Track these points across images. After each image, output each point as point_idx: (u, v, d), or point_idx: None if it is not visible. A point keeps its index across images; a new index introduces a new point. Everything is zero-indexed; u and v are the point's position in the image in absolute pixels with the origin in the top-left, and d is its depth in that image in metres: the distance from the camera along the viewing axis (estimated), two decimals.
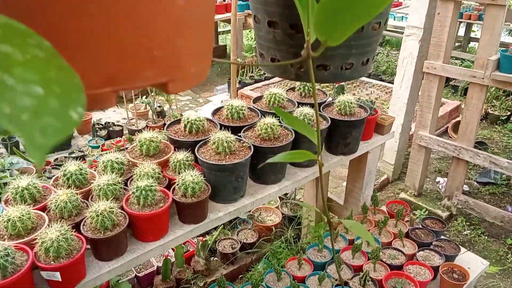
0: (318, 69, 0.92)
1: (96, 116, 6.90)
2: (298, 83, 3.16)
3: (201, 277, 3.69)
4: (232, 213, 2.43)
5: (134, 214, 2.07)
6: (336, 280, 2.71)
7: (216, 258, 3.89)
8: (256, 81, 7.86)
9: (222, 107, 2.84)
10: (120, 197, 2.21)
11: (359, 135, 2.92)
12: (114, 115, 7.11)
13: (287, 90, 3.26)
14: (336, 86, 3.31)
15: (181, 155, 2.41)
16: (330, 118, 2.82)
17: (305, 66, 0.88)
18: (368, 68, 1.01)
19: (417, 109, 4.66)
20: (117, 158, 2.37)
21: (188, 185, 2.20)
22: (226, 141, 2.38)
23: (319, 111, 2.92)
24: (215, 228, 4.05)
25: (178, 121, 2.70)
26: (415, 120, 4.71)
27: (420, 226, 3.26)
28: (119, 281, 3.08)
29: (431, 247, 3.03)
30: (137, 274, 3.52)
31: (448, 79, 7.94)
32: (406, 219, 3.37)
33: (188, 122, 2.58)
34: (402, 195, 4.90)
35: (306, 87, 3.11)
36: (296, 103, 3.00)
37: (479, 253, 4.15)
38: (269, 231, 3.94)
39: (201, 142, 2.48)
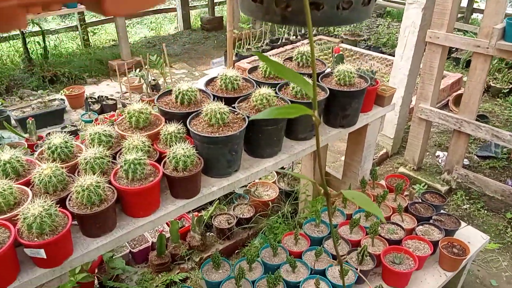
0: (310, 8, 0.79)
1: (89, 90, 6.74)
2: (296, 52, 3.01)
3: (196, 253, 3.64)
4: (226, 187, 2.34)
5: (122, 188, 1.98)
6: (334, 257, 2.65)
7: (212, 234, 3.84)
8: (254, 54, 7.66)
9: (216, 77, 2.71)
10: (108, 171, 2.11)
11: (358, 106, 2.80)
12: (107, 88, 6.95)
13: (284, 60, 3.13)
14: (335, 55, 3.17)
15: (172, 127, 2.30)
16: (328, 88, 2.69)
17: (292, 4, 0.75)
18: (370, 11, 0.88)
19: (419, 81, 4.53)
20: (105, 130, 2.26)
21: (179, 158, 2.10)
22: (219, 113, 2.26)
23: (318, 81, 2.79)
24: (211, 203, 3.98)
25: (169, 92, 2.57)
26: (416, 93, 4.58)
27: (420, 201, 3.18)
28: (113, 257, 3.02)
29: (431, 221, 2.96)
30: (132, 250, 3.46)
31: (450, 51, 7.76)
32: (405, 193, 3.30)
33: (179, 92, 2.45)
34: (401, 169, 4.82)
35: (304, 57, 2.97)
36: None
37: (478, 228, 4.10)
38: (266, 206, 3.87)
39: (193, 114, 2.37)
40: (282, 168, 4.40)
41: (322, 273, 2.53)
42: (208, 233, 3.85)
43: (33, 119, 4.77)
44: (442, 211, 3.16)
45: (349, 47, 8.05)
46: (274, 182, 4.21)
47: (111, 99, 5.95)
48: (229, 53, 6.67)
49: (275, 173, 4.38)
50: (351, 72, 2.72)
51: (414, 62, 4.55)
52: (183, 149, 2.12)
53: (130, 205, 2.06)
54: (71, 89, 6.23)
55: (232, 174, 2.39)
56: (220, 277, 2.54)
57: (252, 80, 2.77)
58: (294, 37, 8.44)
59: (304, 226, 2.92)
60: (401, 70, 4.71)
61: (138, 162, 2.00)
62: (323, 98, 2.60)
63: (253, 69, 2.91)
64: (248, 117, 2.38)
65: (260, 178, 4.37)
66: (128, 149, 2.17)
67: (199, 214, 3.62)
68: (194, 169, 2.15)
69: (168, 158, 2.13)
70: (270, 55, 7.45)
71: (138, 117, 2.34)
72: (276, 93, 2.55)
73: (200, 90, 2.62)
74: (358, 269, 2.54)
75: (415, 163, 4.76)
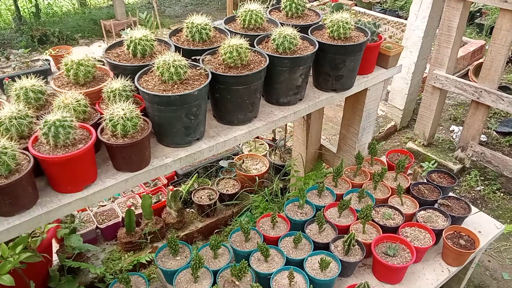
0: None
1: (80, 51, 6.31)
2: (284, 1, 2.51)
3: (173, 231, 3.27)
4: (183, 159, 1.92)
5: (40, 157, 1.57)
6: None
7: (192, 210, 3.46)
8: None
9: (183, 27, 2.24)
10: (31, 135, 1.70)
11: (355, 66, 2.31)
12: (99, 50, 6.50)
13: (270, 10, 2.63)
14: (332, 4, 2.66)
15: (118, 84, 1.87)
16: (318, 42, 2.21)
17: None
18: None
19: (435, 44, 3.97)
20: (34, 85, 1.83)
21: (117, 121, 1.67)
22: (173, 66, 1.81)
23: (307, 34, 2.30)
24: (188, 177, 3.58)
25: (122, 42, 2.12)
26: (431, 59, 4.03)
27: (425, 181, 2.72)
28: (71, 233, 2.66)
29: (436, 206, 2.51)
30: (99, 226, 3.10)
31: (473, 17, 7.06)
32: (409, 172, 2.83)
33: (131, 42, 2.00)
34: (410, 144, 4.33)
35: (294, 4, 2.47)
36: (279, 24, 2.38)
37: (492, 212, 3.64)
38: (253, 182, 3.45)
39: (145, 68, 1.92)
40: (274, 141, 3.97)
41: (300, 263, 2.12)
42: (189, 209, 3.47)
43: (9, 79, 4.39)
44: (451, 193, 2.69)
45: (362, 10, 7.40)
46: (264, 156, 3.78)
47: (100, 60, 5.51)
48: (229, 13, 6.15)
49: (267, 145, 3.95)
50: (346, 22, 2.22)
51: (430, 22, 3.98)
52: (123, 109, 1.69)
53: (54, 177, 1.66)
54: (57, 49, 5.75)
55: (192, 144, 1.96)
56: (177, 265, 2.16)
57: (227, 30, 2.30)
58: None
59: (285, 207, 2.50)
60: (415, 32, 4.15)
61: (61, 125, 1.59)
62: (310, 54, 2.12)
63: (230, 19, 2.43)
64: (212, 72, 1.93)
65: (250, 150, 3.94)
66: (58, 108, 1.75)
67: (175, 189, 3.22)
68: (137, 136, 1.72)
69: (104, 121, 1.70)
70: None
71: (77, 70, 1.91)
72: (253, 46, 2.08)
73: (160, 40, 2.16)
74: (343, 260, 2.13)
75: (425, 138, 4.26)
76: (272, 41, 2.15)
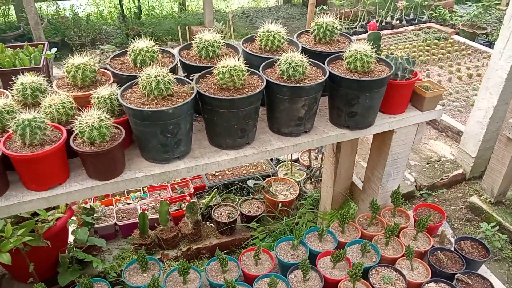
0: None
1: None
2: (313, 23, 2.33)
3: (186, 242, 3.24)
4: (157, 176, 1.86)
5: (7, 153, 1.63)
6: None
7: (211, 225, 3.40)
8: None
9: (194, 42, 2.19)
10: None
11: (372, 104, 2.05)
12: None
13: (299, 33, 2.46)
14: (368, 33, 2.39)
15: (106, 91, 1.88)
16: (329, 73, 2.00)
17: None
18: None
19: None
20: (33, 82, 1.92)
21: (84, 129, 1.67)
22: (155, 81, 1.77)
23: (323, 64, 2.10)
24: (222, 189, 3.52)
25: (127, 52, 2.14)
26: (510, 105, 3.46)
27: (452, 248, 2.30)
28: (78, 228, 2.77)
29: (454, 282, 2.09)
30: (117, 222, 3.20)
31: None
32: (437, 232, 2.43)
33: (132, 51, 2.01)
34: (474, 199, 3.76)
35: (322, 29, 2.28)
36: (300, 47, 2.22)
37: None
38: (275, 207, 3.28)
39: (136, 80, 1.91)
40: (309, 168, 3.74)
41: None
42: (209, 223, 3.42)
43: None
44: (479, 270, 2.24)
45: (462, 40, 6.72)
46: (298, 182, 3.58)
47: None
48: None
49: (304, 172, 3.74)
50: (365, 55, 1.98)
51: None
52: (94, 117, 1.69)
53: (20, 175, 1.72)
54: None
55: (170, 161, 1.89)
56: (142, 282, 2.10)
57: (238, 49, 2.20)
58: (398, 21, 7.33)
59: (278, 244, 2.30)
60: (497, 72, 3.61)
61: (29, 124, 1.63)
62: (313, 85, 1.92)
63: (249, 39, 2.32)
64: (199, 92, 1.85)
65: (286, 174, 3.77)
66: (45, 107, 1.81)
67: (192, 200, 3.19)
68: (105, 145, 1.71)
69: (76, 127, 1.72)
70: (360, 39, 6.56)
71: (75, 73, 1.96)
72: (248, 67, 1.95)
73: (165, 51, 2.14)
74: None
75: (493, 194, 3.67)
76: (278, 67, 2.00)
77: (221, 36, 5.05)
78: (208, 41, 2.08)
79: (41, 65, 4.43)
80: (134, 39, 6.68)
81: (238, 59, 2.14)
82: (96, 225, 3.16)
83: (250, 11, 9.02)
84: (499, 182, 3.61)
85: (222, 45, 2.16)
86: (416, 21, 7.42)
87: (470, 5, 7.87)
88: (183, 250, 3.20)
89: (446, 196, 4.00)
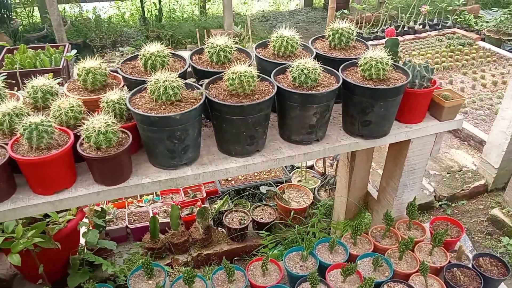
0: None
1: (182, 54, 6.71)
2: (329, 29, 2.27)
3: (197, 247, 3.21)
4: (163, 182, 1.83)
5: (14, 157, 1.62)
6: None
7: (223, 230, 3.36)
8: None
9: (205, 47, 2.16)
10: None
11: (386, 113, 1.97)
12: None
13: (314, 39, 2.41)
14: (386, 40, 2.31)
15: (115, 95, 1.86)
16: (343, 79, 1.94)
17: None
18: None
19: None
20: (44, 85, 1.92)
21: (91, 134, 1.66)
22: (164, 86, 1.74)
23: (338, 71, 2.04)
24: (234, 194, 3.48)
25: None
26: None
27: (470, 265, 2.20)
28: (89, 230, 2.77)
29: None
30: (128, 225, 3.20)
31: None
32: (455, 247, 2.33)
33: (143, 55, 1.99)
34: (495, 212, 3.62)
35: (337, 34, 2.22)
36: (314, 53, 2.16)
37: None
38: (287, 215, 3.22)
39: (145, 84, 1.88)
40: (324, 176, 3.66)
41: None
42: (220, 228, 3.39)
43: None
44: None
45: (488, 46, 6.53)
46: (312, 190, 3.51)
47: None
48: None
49: (318, 179, 3.66)
50: (381, 62, 1.91)
51: None
52: (100, 122, 1.67)
53: (27, 178, 1.72)
54: None
55: (177, 168, 1.86)
56: None
57: (251, 54, 2.16)
58: (421, 26, 7.17)
59: (287, 255, 2.24)
60: None
61: (36, 128, 1.62)
62: (326, 92, 1.86)
63: (262, 45, 2.28)
64: (208, 98, 1.81)
65: (300, 181, 3.70)
66: (54, 111, 1.81)
67: (203, 205, 3.16)
68: (112, 150, 1.69)
69: (83, 131, 1.70)
70: (380, 43, 6.44)
71: (86, 77, 1.95)
72: (259, 73, 1.91)
73: (176, 55, 2.12)
74: None
75: None
76: (290, 73, 1.95)
77: (240, 40, 5.02)
78: (219, 46, 2.05)
79: (61, 67, 4.49)
80: (154, 42, 6.70)
81: (250, 65, 2.11)
82: (107, 228, 3.16)
83: (271, 14, 8.98)
84: None
85: (234, 50, 2.12)
86: (439, 26, 7.24)
87: (497, 11, 7.65)
88: (193, 255, 3.18)
89: (466, 208, 3.86)
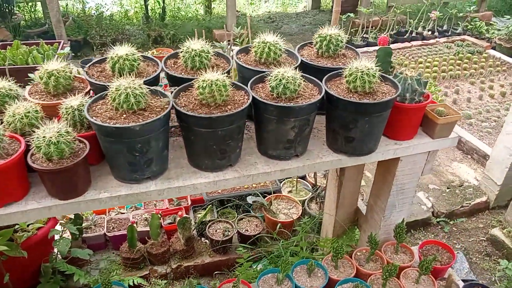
0: None
1: None
2: (317, 35, 2.10)
3: (177, 258, 3.07)
4: (123, 198, 1.69)
5: None
6: None
7: (206, 241, 3.21)
8: (369, 44, 6.55)
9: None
10: None
11: (372, 129, 1.81)
12: None
13: (302, 45, 2.24)
14: (378, 48, 2.13)
15: (77, 101, 1.72)
16: (326, 91, 1.77)
17: None
18: None
19: None
20: (3, 87, 1.79)
21: (41, 144, 1.52)
22: (126, 94, 1.59)
23: (322, 82, 1.88)
24: (219, 204, 3.32)
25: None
26: None
27: None
28: (61, 238, 2.63)
29: None
30: (106, 233, 3.06)
31: None
32: (445, 275, 2.15)
33: (111, 59, 1.85)
34: (496, 231, 3.42)
35: (325, 41, 2.05)
36: (299, 60, 2.00)
37: None
38: (274, 228, 3.06)
39: (105, 92, 1.72)
40: (315, 188, 3.48)
41: None
42: (204, 239, 3.23)
43: None
44: None
45: (498, 55, 6.29)
46: (302, 202, 3.34)
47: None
48: None
49: (309, 191, 3.50)
50: (367, 74, 1.74)
51: None
52: (52, 131, 1.53)
53: None
54: (160, 51, 6.11)
55: (140, 182, 1.72)
56: None
57: (230, 59, 2.01)
58: (430, 32, 6.95)
59: (261, 277, 2.09)
60: None
61: None
62: (304, 105, 1.70)
63: (244, 50, 2.12)
64: (175, 108, 1.67)
65: (290, 191, 3.54)
66: (8, 116, 1.67)
67: (184, 215, 3.01)
68: (64, 162, 1.54)
69: (33, 141, 1.56)
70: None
71: (48, 80, 1.81)
72: (233, 82, 1.75)
73: (150, 59, 1.97)
74: None
75: None
76: (268, 82, 1.79)
77: (240, 41, 4.82)
78: (195, 50, 1.90)
79: None
80: (156, 41, 6.58)
81: (229, 72, 1.96)
82: (84, 235, 3.03)
83: (277, 16, 8.82)
84: None
85: (212, 55, 1.96)
86: (449, 33, 7.02)
87: (509, 18, 7.40)
88: (173, 267, 3.03)
89: (465, 226, 3.66)
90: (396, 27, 7.06)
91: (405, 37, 6.72)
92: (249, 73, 1.94)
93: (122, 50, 1.84)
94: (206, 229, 3.10)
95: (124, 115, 1.61)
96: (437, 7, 7.28)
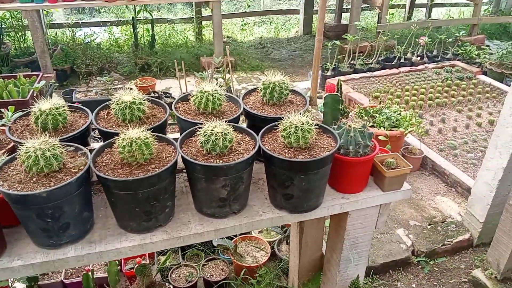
0: None
1: (169, 83, 6.55)
2: (262, 82, 2.00)
3: None
4: (38, 266, 1.56)
5: None
6: None
7: (171, 286, 3.06)
8: (356, 71, 6.46)
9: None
10: None
11: (309, 186, 1.68)
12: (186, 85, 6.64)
13: (249, 91, 2.14)
14: (325, 95, 2.02)
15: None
16: (263, 149, 1.66)
17: None
18: None
19: None
20: None
21: None
22: (35, 156, 1.48)
23: (259, 140, 1.76)
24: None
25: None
26: None
27: None
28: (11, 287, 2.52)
29: None
30: (63, 280, 2.93)
31: None
32: None
33: (33, 114, 1.75)
34: (477, 273, 3.24)
35: (269, 89, 1.95)
36: (242, 109, 1.90)
37: None
38: (248, 272, 2.90)
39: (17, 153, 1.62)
40: (283, 229, 3.34)
41: None
42: (168, 284, 3.09)
43: (79, 104, 4.65)
44: None
45: (488, 80, 6.17)
46: (272, 243, 3.20)
47: (171, 97, 5.58)
48: (314, 67, 5.67)
49: (279, 232, 3.35)
50: (301, 129, 1.62)
51: None
52: None
53: None
54: (144, 80, 6.09)
55: (58, 248, 1.60)
56: None
57: (167, 107, 1.91)
58: (419, 58, 6.86)
59: None
60: (508, 130, 3.15)
61: None
62: (233, 164, 1.58)
63: (183, 99, 2.03)
64: (92, 168, 1.55)
65: (261, 231, 3.40)
66: None
67: (142, 262, 2.88)
68: None
69: None
70: (375, 76, 6.15)
71: (44, 119, 1.71)
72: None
73: (81, 110, 1.88)
74: None
75: (499, 270, 3.14)
76: (198, 138, 1.68)
77: (222, 70, 4.69)
78: (126, 102, 1.80)
79: (27, 98, 4.32)
80: (143, 69, 6.51)
81: (165, 123, 1.87)
82: (41, 282, 2.90)
83: (268, 41, 8.80)
84: (506, 256, 3.09)
85: (146, 106, 1.86)
86: (439, 58, 6.92)
87: (502, 41, 7.31)
88: None
89: (447, 265, 3.48)
90: (385, 52, 6.99)
91: (393, 63, 6.63)
92: (187, 125, 1.84)
93: (45, 105, 1.74)
94: (169, 274, 2.96)
95: (34, 179, 1.50)
96: (427, 32, 7.20)
